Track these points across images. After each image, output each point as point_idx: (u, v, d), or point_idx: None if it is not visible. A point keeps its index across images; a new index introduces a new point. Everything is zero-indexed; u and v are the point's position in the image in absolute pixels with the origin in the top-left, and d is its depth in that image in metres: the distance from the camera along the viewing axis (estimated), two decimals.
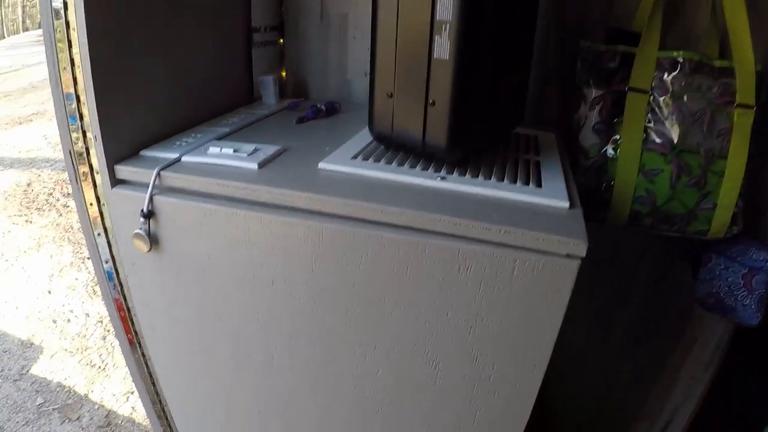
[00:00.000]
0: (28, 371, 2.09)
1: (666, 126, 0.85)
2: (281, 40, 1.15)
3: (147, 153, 0.80)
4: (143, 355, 0.98)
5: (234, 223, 0.70)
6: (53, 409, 1.91)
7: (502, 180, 0.68)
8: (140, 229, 0.76)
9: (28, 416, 1.88)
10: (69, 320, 2.40)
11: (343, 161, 0.73)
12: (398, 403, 0.76)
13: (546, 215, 0.62)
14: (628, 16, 0.94)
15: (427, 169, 0.71)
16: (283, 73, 1.17)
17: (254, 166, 0.73)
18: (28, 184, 3.91)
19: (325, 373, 0.78)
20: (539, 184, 0.68)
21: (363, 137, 0.82)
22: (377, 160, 0.74)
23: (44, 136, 5.01)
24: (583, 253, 0.57)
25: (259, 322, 0.77)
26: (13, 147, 4.84)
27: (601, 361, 1.31)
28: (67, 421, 1.86)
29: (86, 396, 1.97)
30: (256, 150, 0.77)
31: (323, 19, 1.14)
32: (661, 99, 0.86)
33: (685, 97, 0.85)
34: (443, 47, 0.63)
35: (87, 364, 2.13)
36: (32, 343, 2.25)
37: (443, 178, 0.68)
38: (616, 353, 1.30)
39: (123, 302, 0.91)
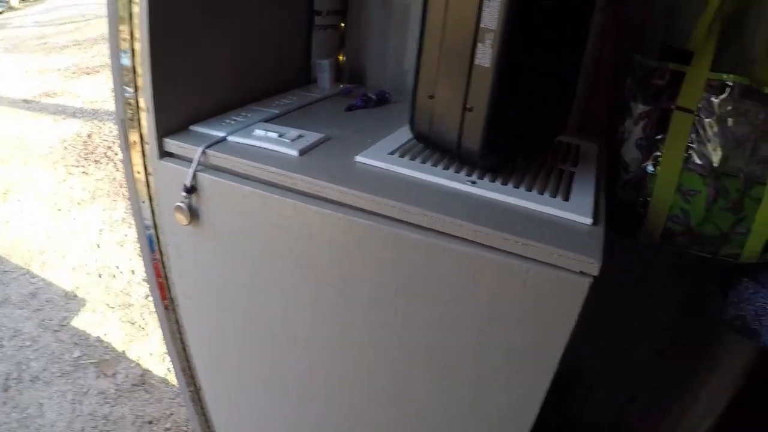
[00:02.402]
0: (69, 323, 2.20)
1: (708, 148, 0.86)
2: (343, 25, 1.18)
3: (196, 128, 0.85)
4: (177, 321, 1.05)
5: (269, 207, 0.75)
6: (90, 363, 2.01)
7: (531, 190, 0.71)
8: (182, 202, 0.82)
9: (65, 368, 1.98)
10: (114, 276, 2.50)
11: (380, 156, 0.77)
12: (411, 393, 0.80)
13: (567, 230, 0.65)
14: (686, 34, 0.93)
15: (460, 172, 0.75)
16: (341, 58, 1.21)
17: (295, 153, 0.78)
18: (89, 136, 4.01)
19: (343, 361, 0.83)
20: (567, 197, 0.70)
21: (405, 132, 0.86)
22: (413, 158, 0.78)
23: (111, 89, 5.17)
24: (596, 272, 0.60)
25: (286, 305, 0.82)
26: (78, 96, 4.95)
27: (625, 372, 1.33)
28: (102, 376, 1.95)
29: (124, 353, 2.06)
30: (300, 136, 0.82)
31: (386, 8, 1.17)
32: (707, 121, 0.86)
33: (730, 121, 0.84)
34: (485, 54, 0.66)
35: (128, 321, 2.22)
36: (76, 296, 2.36)
37: (474, 183, 0.71)
38: (640, 366, 1.31)
39: (162, 269, 0.98)
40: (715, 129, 0.85)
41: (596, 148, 0.92)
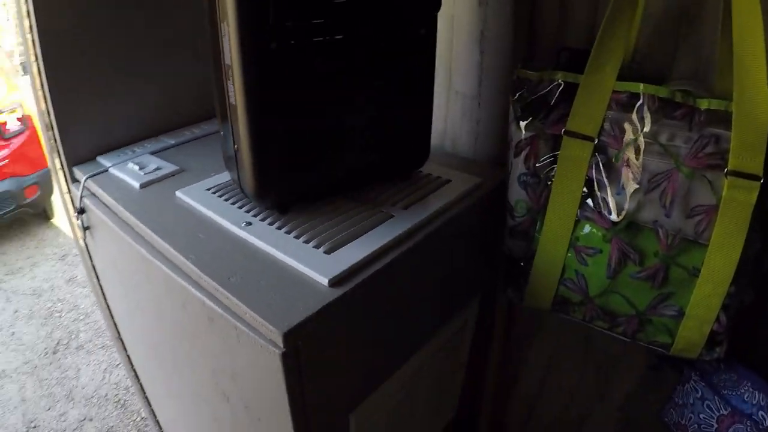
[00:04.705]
0: None
1: (609, 190, 0.64)
2: None
3: (100, 159, 0.96)
4: (116, 327, 1.19)
5: (111, 233, 0.82)
6: None
7: (300, 237, 0.66)
8: (78, 220, 0.94)
9: (106, 342, 2.31)
10: None
11: (196, 193, 0.79)
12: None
13: (290, 288, 0.59)
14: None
15: (251, 212, 0.73)
16: None
17: (137, 185, 0.83)
18: None
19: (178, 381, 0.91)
20: (335, 249, 0.63)
21: None
22: (223, 195, 0.78)
23: None
24: (281, 344, 0.54)
25: (145, 314, 0.91)
26: None
27: None
28: None
29: None
30: (157, 169, 0.87)
31: None
32: (610, 150, 0.65)
33: (643, 151, 0.62)
34: (232, 92, 0.64)
35: None
36: None
37: (249, 224, 0.70)
38: None
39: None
40: (621, 162, 0.64)
41: (475, 184, 0.76)
